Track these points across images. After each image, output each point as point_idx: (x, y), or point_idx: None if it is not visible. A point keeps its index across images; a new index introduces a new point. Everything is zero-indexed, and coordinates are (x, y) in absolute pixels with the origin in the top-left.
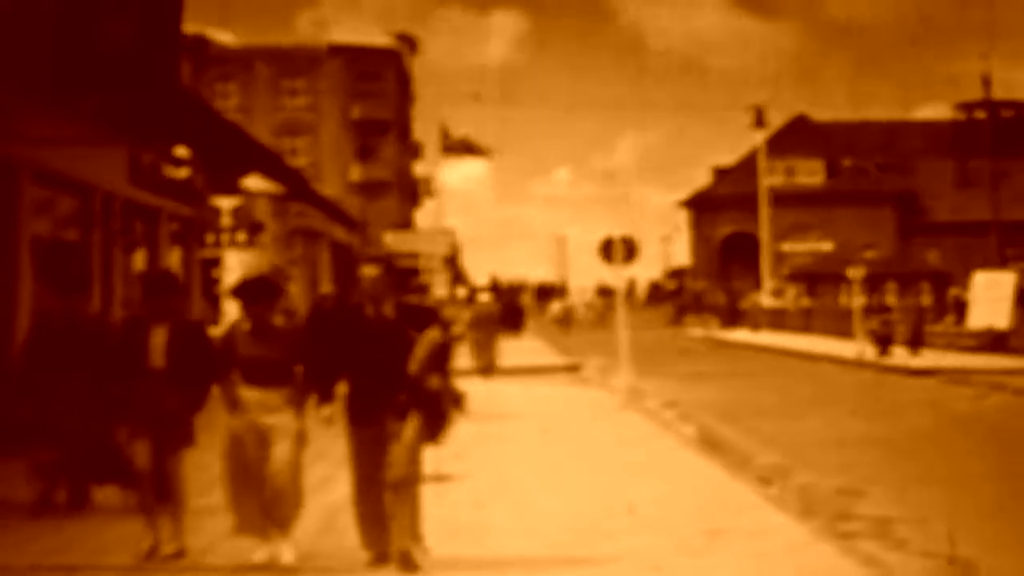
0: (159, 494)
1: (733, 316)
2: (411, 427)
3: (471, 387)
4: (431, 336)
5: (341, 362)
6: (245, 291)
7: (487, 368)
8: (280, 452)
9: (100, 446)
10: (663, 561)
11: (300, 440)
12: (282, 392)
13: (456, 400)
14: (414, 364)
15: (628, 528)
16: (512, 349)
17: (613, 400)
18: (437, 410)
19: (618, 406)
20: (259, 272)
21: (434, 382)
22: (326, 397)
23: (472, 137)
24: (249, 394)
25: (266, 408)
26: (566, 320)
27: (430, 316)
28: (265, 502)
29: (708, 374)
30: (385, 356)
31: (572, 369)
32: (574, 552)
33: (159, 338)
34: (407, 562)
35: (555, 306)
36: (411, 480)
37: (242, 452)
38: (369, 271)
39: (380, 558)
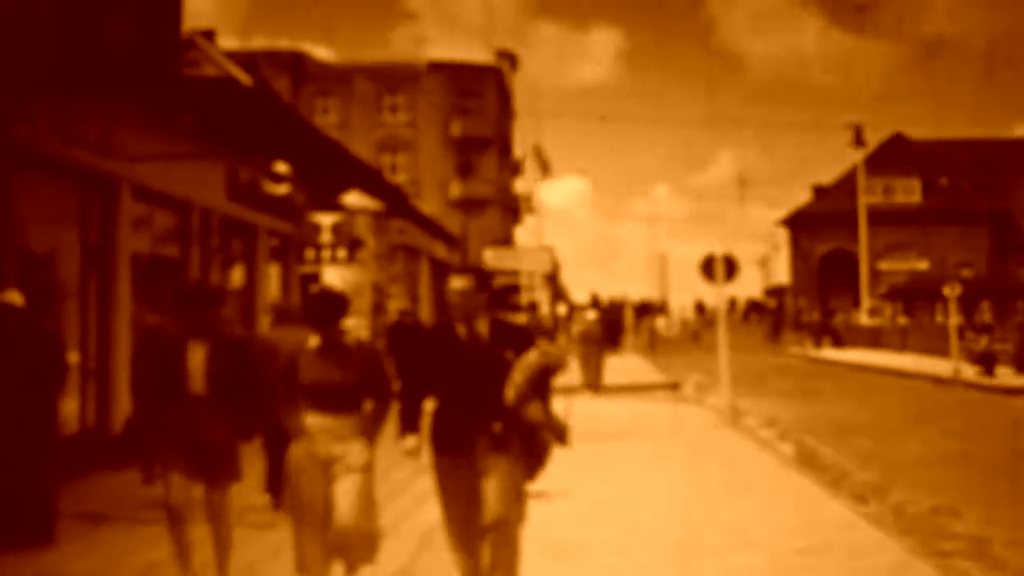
0: (215, 534)
1: (829, 334)
2: (507, 462)
3: (576, 404)
4: (530, 360)
5: (428, 386)
6: (314, 308)
7: (594, 385)
8: (347, 487)
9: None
10: None
11: (369, 473)
12: (352, 420)
13: (559, 433)
14: (511, 391)
15: (728, 546)
16: (612, 367)
17: (712, 418)
18: (536, 444)
19: (717, 424)
20: (329, 287)
21: (534, 412)
22: (411, 426)
23: (545, 154)
24: (315, 421)
25: (334, 437)
26: (652, 342)
27: (529, 337)
28: (329, 542)
29: (805, 392)
30: (478, 381)
31: (671, 387)
32: (674, 571)
33: (197, 358)
34: None
35: (660, 322)
36: (511, 521)
37: (304, 485)
38: (458, 283)
39: None
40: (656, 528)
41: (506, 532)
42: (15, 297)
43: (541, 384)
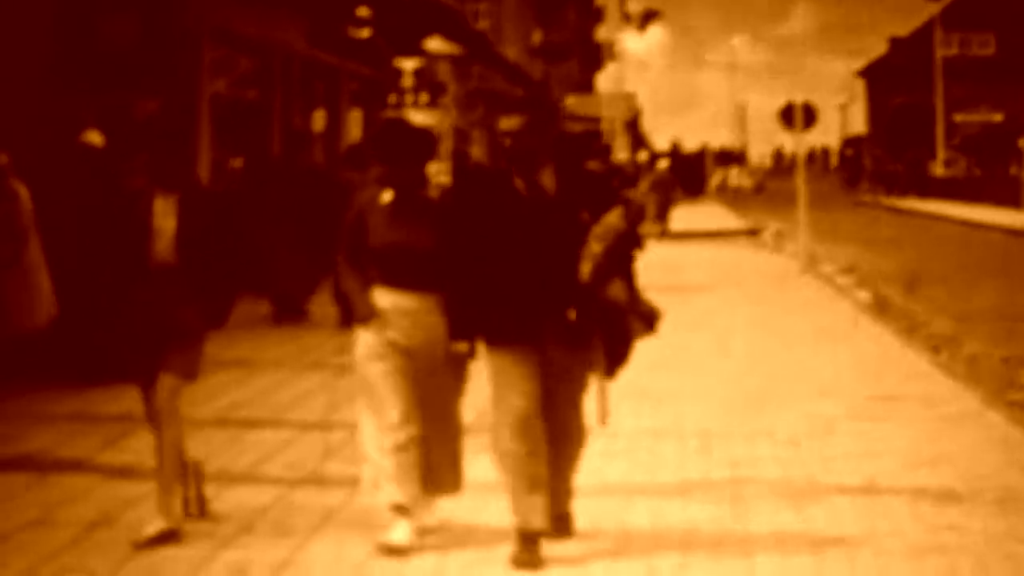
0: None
1: (906, 184)
2: (583, 358)
3: (653, 250)
4: (611, 222)
5: (483, 258)
6: (386, 143)
7: (663, 232)
8: (431, 392)
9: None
10: (835, 426)
11: (462, 369)
12: (436, 298)
13: (648, 318)
14: (587, 264)
15: (806, 393)
16: (692, 214)
17: (791, 266)
18: (618, 334)
19: (795, 271)
20: (406, 120)
21: (616, 292)
22: (465, 325)
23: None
24: (387, 299)
25: (414, 322)
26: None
27: (610, 190)
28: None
29: (881, 240)
30: (543, 251)
31: (750, 234)
32: (753, 418)
33: (166, 217)
34: (564, 526)
35: (732, 172)
36: (582, 433)
37: (388, 375)
38: (509, 123)
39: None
40: (735, 375)
41: (576, 444)
42: (95, 137)
43: (625, 255)
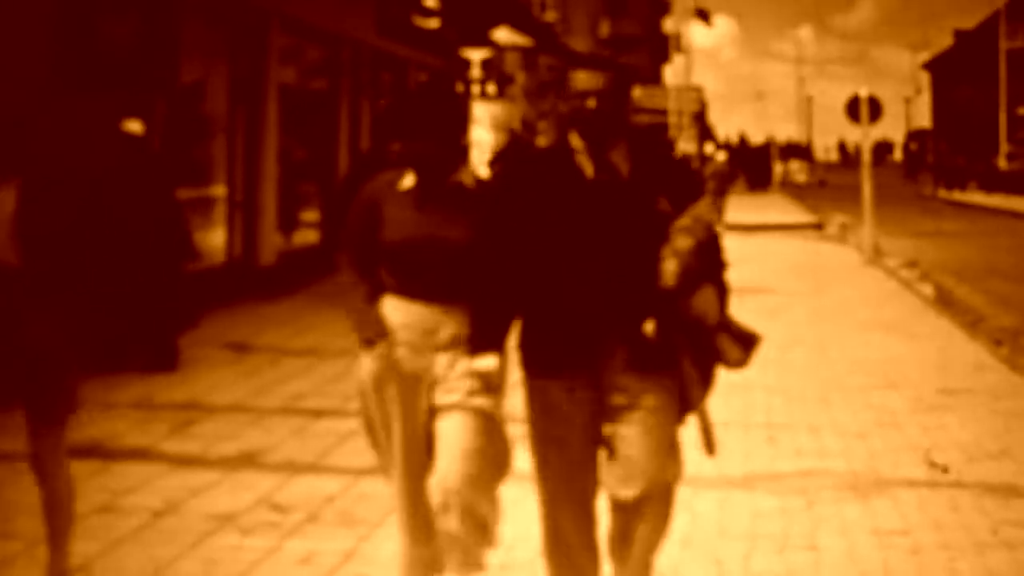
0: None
1: (968, 177)
2: (662, 388)
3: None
4: (701, 213)
5: (526, 258)
6: (408, 116)
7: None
8: (459, 432)
9: None
10: (900, 419)
11: (497, 410)
12: (463, 310)
13: (745, 340)
14: (671, 264)
15: (871, 385)
16: (758, 206)
17: (856, 258)
18: (706, 357)
19: (860, 264)
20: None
21: (704, 303)
22: (491, 335)
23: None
24: (402, 311)
25: (436, 342)
26: (784, 184)
27: (695, 178)
28: (429, 513)
29: (944, 233)
30: (611, 247)
31: (816, 227)
32: (819, 409)
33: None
34: None
35: (793, 165)
36: (668, 486)
37: (391, 418)
38: (584, 81)
39: None
40: (801, 367)
41: (657, 504)
42: (135, 126)
43: (716, 256)
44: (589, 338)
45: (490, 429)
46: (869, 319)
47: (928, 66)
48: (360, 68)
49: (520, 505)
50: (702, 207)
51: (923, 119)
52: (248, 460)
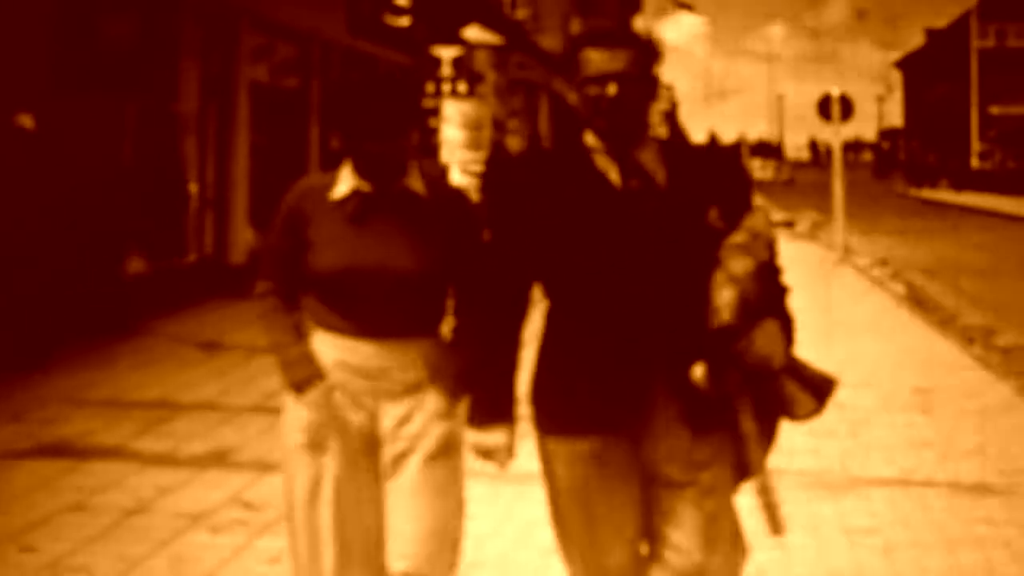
0: None
1: (939, 176)
2: (716, 447)
3: None
4: (759, 227)
5: (536, 284)
6: (346, 106)
7: None
8: (415, 488)
9: None
10: (872, 417)
11: (457, 461)
12: (421, 348)
13: (818, 387)
14: (726, 294)
15: (843, 383)
16: None
17: (827, 256)
18: (772, 407)
19: (832, 262)
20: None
21: (767, 341)
22: (495, 398)
23: None
24: (341, 349)
25: (384, 386)
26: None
27: (745, 179)
28: None
29: (916, 231)
30: (650, 276)
31: (787, 224)
32: None
33: None
34: None
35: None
36: (731, 560)
37: (324, 486)
38: (605, 60)
39: None
40: None
41: None
42: (27, 121)
43: (775, 281)
44: (622, 389)
45: (454, 477)
46: (840, 318)
47: (900, 65)
48: (331, 66)
49: (490, 503)
50: (759, 218)
51: (895, 118)
52: (218, 458)
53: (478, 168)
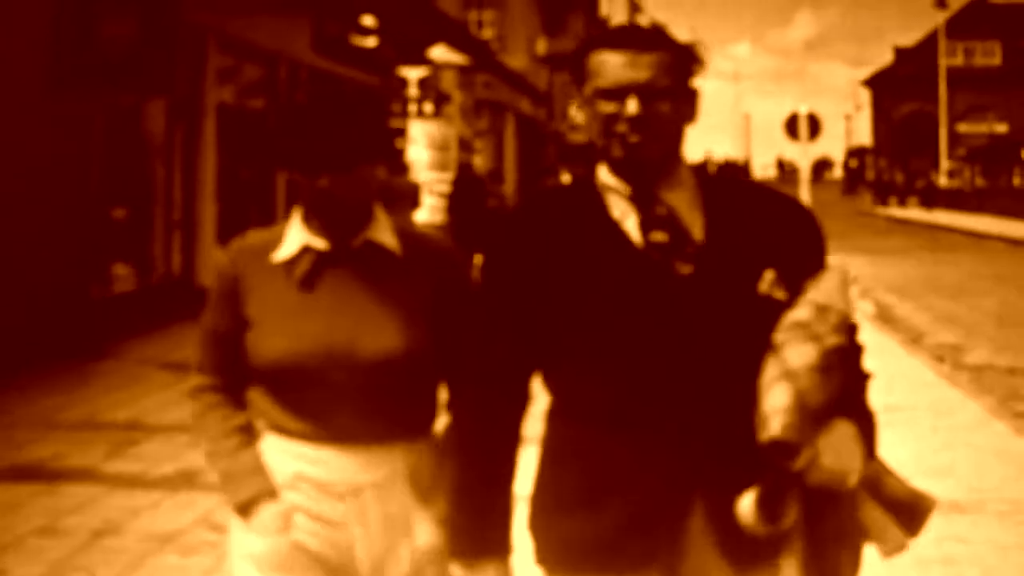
0: None
1: (907, 194)
2: None
3: None
4: (828, 297)
5: (536, 381)
6: (297, 135)
7: None
8: None
9: None
10: None
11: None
12: (404, 457)
13: (907, 512)
14: (781, 401)
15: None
16: None
17: None
18: (845, 538)
19: None
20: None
21: (839, 456)
22: (483, 528)
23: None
24: (299, 458)
25: (358, 504)
26: None
27: (816, 230)
28: None
29: (885, 249)
30: (680, 366)
31: None
32: None
33: None
34: None
35: None
36: None
37: None
38: (623, 70)
39: None
40: None
41: None
42: None
43: (853, 371)
44: (648, 514)
45: None
46: None
47: (869, 83)
48: (297, 86)
49: None
50: (830, 282)
51: (863, 136)
52: (188, 480)
53: (445, 188)
